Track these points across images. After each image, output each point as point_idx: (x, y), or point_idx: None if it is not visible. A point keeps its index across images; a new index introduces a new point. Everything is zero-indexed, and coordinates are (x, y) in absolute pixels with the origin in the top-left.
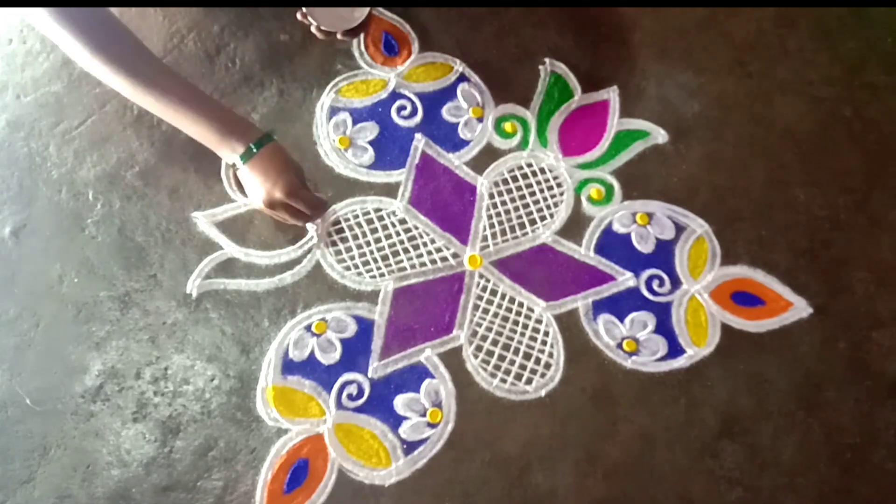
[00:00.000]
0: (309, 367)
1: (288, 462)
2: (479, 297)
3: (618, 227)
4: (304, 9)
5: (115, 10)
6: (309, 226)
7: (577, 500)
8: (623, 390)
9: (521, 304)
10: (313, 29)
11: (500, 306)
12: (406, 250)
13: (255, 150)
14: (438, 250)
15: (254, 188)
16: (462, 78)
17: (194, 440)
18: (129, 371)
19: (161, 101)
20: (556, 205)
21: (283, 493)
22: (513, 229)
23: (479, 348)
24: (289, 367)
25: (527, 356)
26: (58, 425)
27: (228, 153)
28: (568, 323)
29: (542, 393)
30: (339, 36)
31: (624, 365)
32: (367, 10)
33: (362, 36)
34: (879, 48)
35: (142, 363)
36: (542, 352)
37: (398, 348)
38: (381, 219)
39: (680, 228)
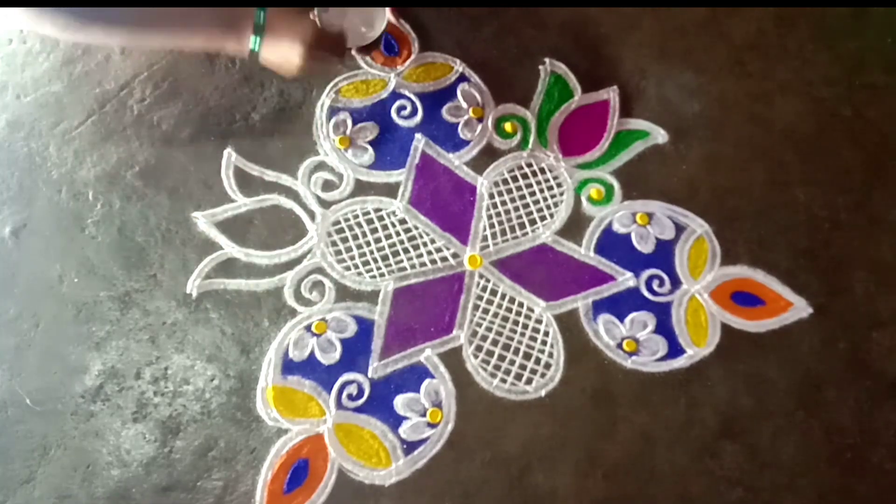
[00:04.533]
0: (309, 367)
1: (288, 462)
2: (479, 297)
3: (618, 227)
4: (318, 18)
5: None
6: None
7: (577, 500)
8: (623, 390)
9: (521, 304)
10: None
11: (500, 306)
12: (406, 250)
13: (261, 23)
14: (438, 250)
15: (278, 64)
16: (462, 78)
17: (194, 440)
18: (129, 371)
19: (160, 33)
20: (556, 205)
21: (283, 493)
22: (513, 229)
23: (479, 348)
24: (289, 367)
25: (527, 356)
26: (58, 425)
27: (236, 45)
28: (568, 323)
29: (542, 393)
30: (353, 52)
31: (624, 365)
32: (383, 26)
33: None
34: (879, 48)
35: (142, 363)
36: (542, 352)
37: (398, 348)
38: (381, 219)
39: (680, 228)
